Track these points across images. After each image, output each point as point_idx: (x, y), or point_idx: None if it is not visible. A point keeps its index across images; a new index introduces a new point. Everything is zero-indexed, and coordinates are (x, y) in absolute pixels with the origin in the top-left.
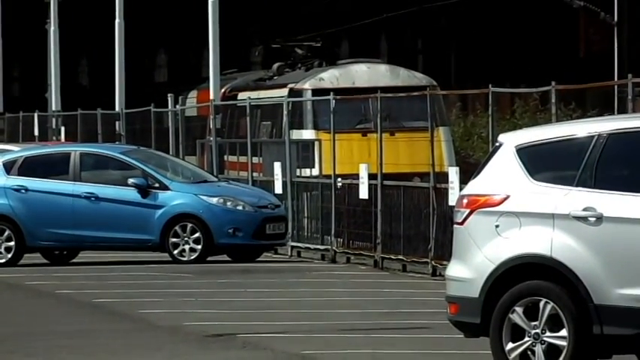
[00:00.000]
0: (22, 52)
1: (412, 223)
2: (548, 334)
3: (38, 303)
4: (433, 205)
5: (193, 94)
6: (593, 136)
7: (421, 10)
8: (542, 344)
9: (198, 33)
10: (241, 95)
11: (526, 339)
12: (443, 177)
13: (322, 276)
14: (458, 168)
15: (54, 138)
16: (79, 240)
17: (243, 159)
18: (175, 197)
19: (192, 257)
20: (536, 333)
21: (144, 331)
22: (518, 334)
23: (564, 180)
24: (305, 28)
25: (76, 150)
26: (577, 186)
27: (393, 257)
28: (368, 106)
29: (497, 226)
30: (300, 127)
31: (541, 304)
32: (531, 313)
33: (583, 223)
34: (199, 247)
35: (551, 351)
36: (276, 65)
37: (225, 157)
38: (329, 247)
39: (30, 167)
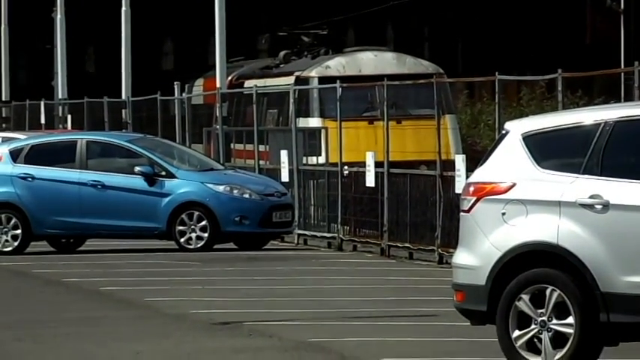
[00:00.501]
0: (29, 41)
1: (419, 211)
2: (554, 321)
3: (45, 291)
4: (440, 192)
5: (200, 82)
6: (599, 124)
7: None
8: (548, 332)
9: (205, 21)
10: (248, 83)
11: (532, 326)
12: (449, 165)
13: (329, 264)
14: (464, 156)
15: (60, 126)
16: (86, 228)
17: (249, 147)
18: (182, 185)
19: (198, 245)
20: (543, 320)
21: (151, 319)
22: (524, 321)
23: (571, 167)
24: (311, 16)
25: (82, 138)
26: (583, 173)
27: (399, 245)
28: (374, 93)
29: (503, 214)
30: (307, 115)
31: (547, 292)
32: (538, 301)
33: (589, 211)
34: (206, 235)
35: (558, 338)
36: (282, 53)
37: (232, 145)
38: (335, 234)
39: (36, 155)
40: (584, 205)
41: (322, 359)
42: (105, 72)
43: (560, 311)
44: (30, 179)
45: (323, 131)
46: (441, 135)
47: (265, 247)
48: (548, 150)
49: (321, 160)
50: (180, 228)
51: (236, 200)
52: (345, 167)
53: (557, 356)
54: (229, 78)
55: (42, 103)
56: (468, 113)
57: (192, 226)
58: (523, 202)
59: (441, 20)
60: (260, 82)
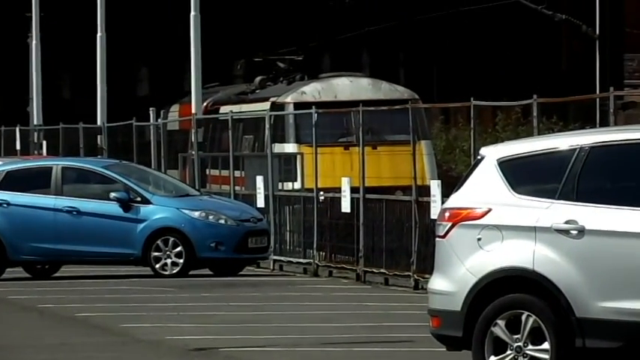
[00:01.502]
0: (4, 66)
1: (394, 237)
2: (530, 347)
3: (21, 317)
4: (415, 218)
5: (175, 107)
6: (575, 149)
7: (403, 24)
8: (524, 357)
9: (180, 47)
10: (223, 109)
11: (508, 352)
12: (425, 190)
13: (304, 290)
14: (440, 181)
15: (36, 152)
16: (61, 254)
17: (225, 173)
18: (157, 211)
19: (174, 271)
20: (519, 346)
21: (126, 345)
22: (500, 347)
23: (546, 193)
24: (287, 42)
25: (57, 164)
26: (559, 199)
27: (375, 271)
28: (350, 119)
29: (479, 239)
30: (283, 140)
31: (523, 317)
32: (513, 327)
33: (565, 236)
34: (181, 261)
35: None
36: (258, 79)
37: (208, 170)
38: (311, 260)
39: (12, 181)
40: (559, 231)
41: None
42: (80, 98)
43: (536, 337)
44: (5, 205)
45: (299, 157)
46: (417, 160)
47: (241, 272)
48: (523, 175)
49: (297, 185)
50: (156, 254)
51: (211, 226)
52: (321, 193)
53: None
54: (205, 104)
55: (17, 129)
56: (443, 139)
57: (168, 252)
58: (499, 228)
59: (416, 46)
60: (236, 108)
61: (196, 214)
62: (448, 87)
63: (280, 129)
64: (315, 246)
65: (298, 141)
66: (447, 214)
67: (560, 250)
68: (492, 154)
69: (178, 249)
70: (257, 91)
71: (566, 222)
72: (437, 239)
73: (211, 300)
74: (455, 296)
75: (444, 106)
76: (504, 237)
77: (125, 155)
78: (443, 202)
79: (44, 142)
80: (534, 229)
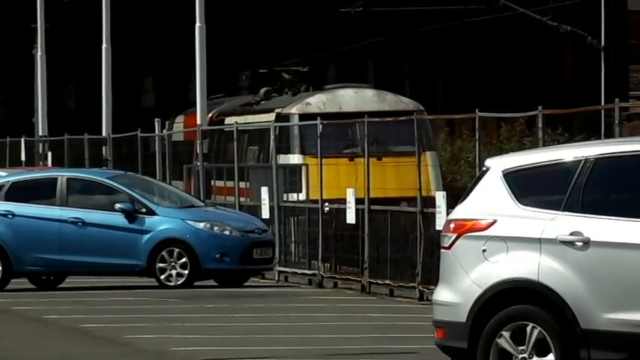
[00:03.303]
0: (9, 77)
1: (399, 248)
2: (535, 358)
3: (25, 328)
4: (420, 229)
5: (180, 118)
6: (579, 161)
7: (408, 35)
8: None
9: (185, 57)
10: (228, 120)
11: None
12: (430, 201)
13: (309, 301)
14: (445, 192)
15: (41, 163)
16: (66, 265)
17: (230, 184)
18: (162, 222)
19: (179, 282)
20: (524, 357)
21: (131, 356)
22: (505, 358)
23: (551, 204)
24: (292, 53)
25: (62, 175)
26: (564, 210)
27: (380, 282)
28: (355, 130)
29: (484, 251)
30: (287, 151)
31: (528, 329)
32: (518, 338)
33: (570, 248)
34: (186, 272)
35: None
36: (263, 90)
37: (213, 181)
38: (316, 271)
39: (17, 192)
40: (564, 242)
41: None
42: (85, 109)
43: (541, 348)
44: (10, 216)
45: (304, 168)
46: (422, 172)
47: (246, 284)
48: (528, 187)
49: (302, 196)
50: (161, 265)
51: (216, 237)
52: (326, 204)
53: None
54: (210, 115)
55: (22, 140)
56: (448, 150)
57: (173, 263)
58: (504, 239)
59: (421, 57)
60: (240, 119)
61: (201, 225)
62: (453, 98)
63: (285, 140)
64: (320, 257)
65: (303, 152)
66: (452, 226)
67: (565, 262)
68: (497, 165)
69: (183, 260)
70: (262, 102)
71: (571, 233)
72: (442, 250)
73: (216, 311)
74: (460, 307)
75: (448, 118)
76: (509, 248)
77: (130, 166)
78: (448, 214)
79: (49, 153)
80: (539, 241)
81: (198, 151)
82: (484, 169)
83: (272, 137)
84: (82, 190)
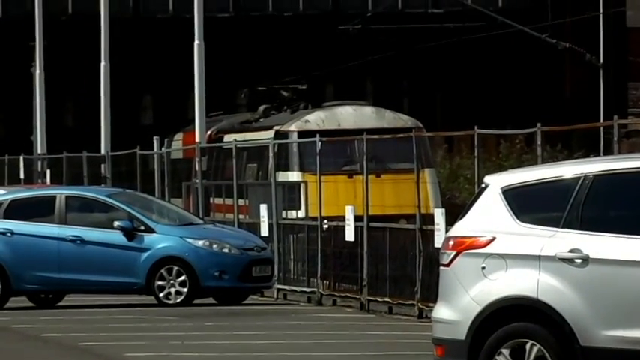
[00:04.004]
0: (7, 95)
1: (398, 265)
2: None
3: (25, 346)
4: (419, 246)
5: (179, 136)
6: (579, 178)
7: (406, 53)
8: None
9: (184, 75)
10: (227, 137)
11: None
12: (429, 219)
13: (308, 318)
14: (444, 210)
15: (39, 181)
16: (65, 283)
17: (229, 201)
18: (161, 240)
19: (178, 300)
20: None
21: None
22: None
23: (550, 221)
24: (290, 71)
25: (61, 193)
26: (563, 227)
27: (379, 299)
28: (354, 147)
29: (483, 268)
30: (286, 169)
31: (527, 346)
32: (518, 355)
33: (569, 265)
34: (185, 289)
35: None
36: (261, 107)
37: (211, 199)
38: (315, 289)
39: (16, 210)
40: (563, 259)
41: None
42: (84, 126)
43: None
44: (9, 234)
45: (302, 185)
46: (421, 189)
47: (245, 301)
48: (527, 204)
49: (301, 214)
50: (160, 283)
51: (215, 255)
52: (325, 221)
53: None
54: (209, 132)
55: (21, 158)
56: (446, 167)
57: (172, 281)
58: (503, 256)
59: (420, 74)
60: (239, 137)
61: (200, 242)
62: (452, 115)
63: (284, 157)
64: (318, 274)
65: (302, 169)
66: (450, 243)
67: (564, 279)
68: (496, 182)
69: (182, 278)
70: (261, 120)
71: (570, 250)
72: (441, 268)
73: (215, 329)
74: (459, 325)
75: (447, 135)
76: (508, 265)
77: (129, 184)
78: (447, 231)
79: (48, 171)
80: (538, 258)
81: (197, 169)
82: (483, 186)
83: (271, 154)
84: (81, 208)
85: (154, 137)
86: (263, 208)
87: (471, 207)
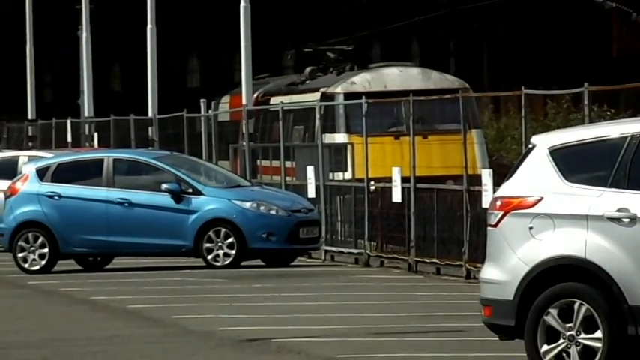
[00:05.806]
0: (55, 59)
1: (446, 226)
2: (582, 335)
3: (73, 309)
4: (467, 207)
5: (226, 99)
6: (626, 137)
7: (453, 12)
8: (577, 346)
9: (230, 38)
10: (274, 100)
11: (561, 341)
12: (476, 179)
13: (356, 280)
14: (491, 170)
15: (87, 144)
16: (113, 246)
17: (276, 163)
18: (209, 202)
19: (226, 262)
20: (571, 335)
21: (178, 336)
22: (552, 336)
23: (598, 181)
24: (336, 32)
25: (109, 156)
26: (610, 187)
27: (426, 260)
28: (400, 109)
29: (530, 228)
30: (333, 130)
31: (575, 306)
32: (566, 315)
33: (617, 224)
34: (233, 251)
35: (586, 352)
36: (308, 69)
37: (258, 161)
38: (362, 250)
39: (63, 174)
40: (611, 219)
41: None
42: (131, 90)
43: (589, 325)
44: (57, 198)
45: (349, 147)
46: (468, 150)
47: (292, 263)
48: (574, 164)
49: (348, 176)
50: (208, 245)
51: (263, 217)
52: (372, 183)
53: None
54: (255, 95)
55: (68, 122)
56: (493, 128)
57: (220, 243)
58: (550, 217)
59: (466, 34)
60: (286, 99)
61: (247, 204)
62: (498, 75)
63: (330, 119)
64: (366, 236)
65: (348, 131)
66: (498, 203)
67: (612, 239)
68: (543, 142)
69: (230, 240)
70: (307, 82)
71: (618, 210)
72: (488, 228)
73: (263, 291)
74: (507, 285)
75: (494, 95)
76: (556, 226)
77: (176, 147)
78: (494, 191)
79: (95, 134)
80: (586, 218)
81: (244, 131)
82: (530, 146)
83: (317, 116)
84: (129, 171)
85: (201, 100)
86: (310, 170)
87: (518, 167)
